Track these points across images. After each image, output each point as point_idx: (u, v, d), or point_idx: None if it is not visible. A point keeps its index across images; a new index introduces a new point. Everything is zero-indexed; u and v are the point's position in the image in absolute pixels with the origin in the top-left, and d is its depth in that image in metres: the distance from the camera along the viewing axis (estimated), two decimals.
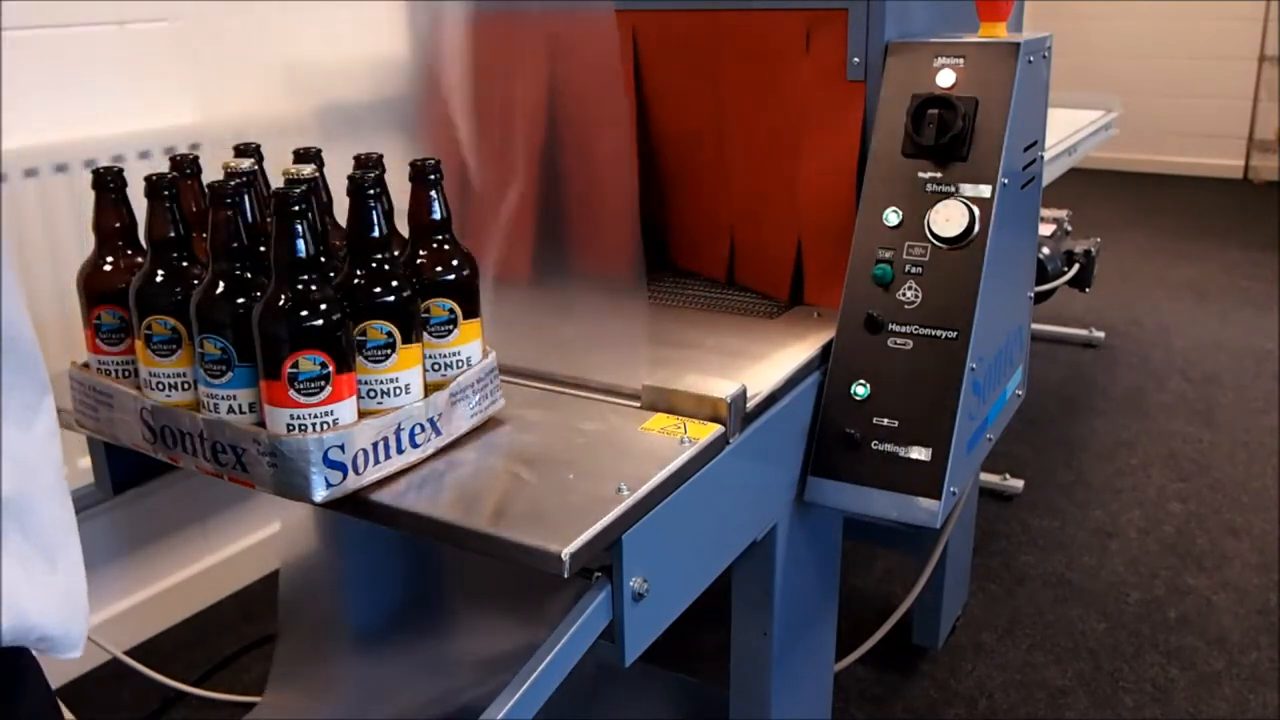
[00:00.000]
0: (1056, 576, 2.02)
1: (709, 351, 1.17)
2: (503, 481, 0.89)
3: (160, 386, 0.92)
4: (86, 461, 1.21)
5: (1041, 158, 1.34)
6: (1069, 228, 2.33)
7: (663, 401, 0.99)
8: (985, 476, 2.29)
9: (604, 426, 0.97)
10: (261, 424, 0.86)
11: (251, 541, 2.03)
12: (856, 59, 1.20)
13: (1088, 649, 1.81)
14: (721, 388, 0.97)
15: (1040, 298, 2.13)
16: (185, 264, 0.91)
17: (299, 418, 0.83)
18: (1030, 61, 1.19)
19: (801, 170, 1.25)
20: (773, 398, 1.05)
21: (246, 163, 0.96)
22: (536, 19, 1.24)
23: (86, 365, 0.99)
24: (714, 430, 0.95)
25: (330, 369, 0.83)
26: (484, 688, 1.38)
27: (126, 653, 1.63)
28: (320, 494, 0.84)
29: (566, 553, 0.76)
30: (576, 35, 1.18)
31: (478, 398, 0.96)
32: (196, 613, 1.95)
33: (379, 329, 0.87)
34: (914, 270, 1.13)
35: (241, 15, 1.86)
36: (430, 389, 0.92)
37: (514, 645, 1.38)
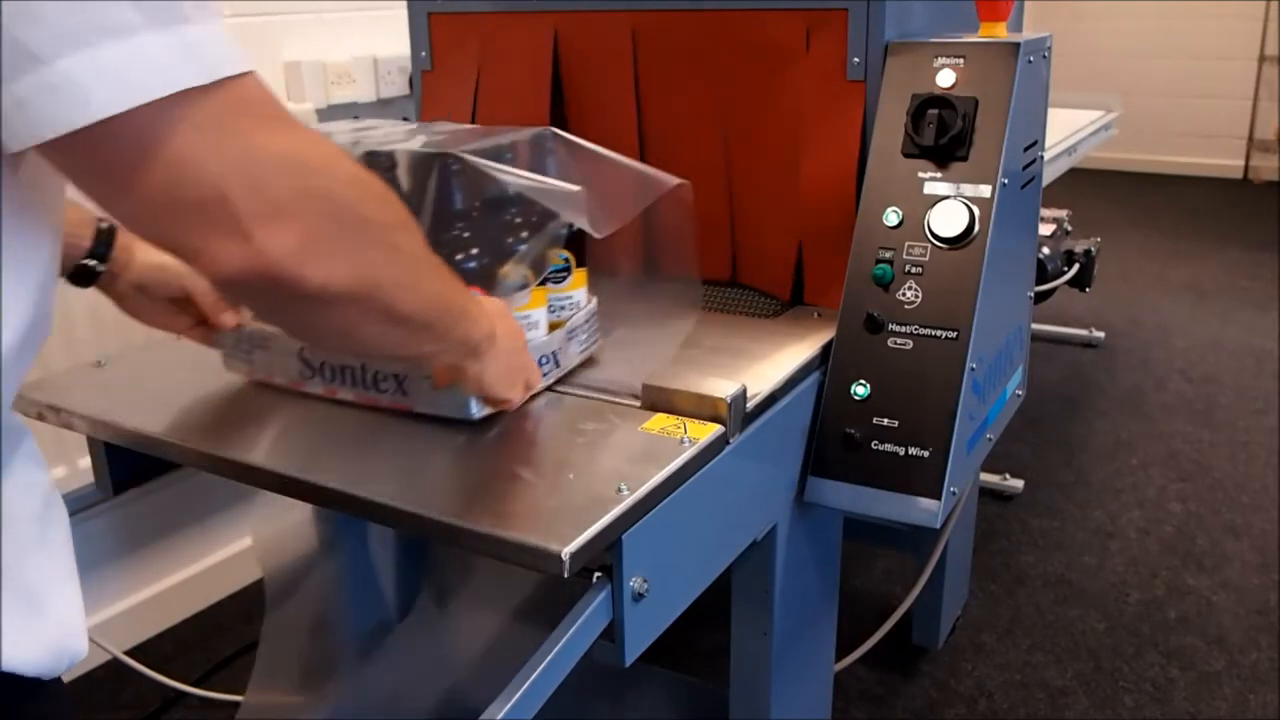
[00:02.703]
0: (1056, 576, 2.02)
1: (709, 351, 1.16)
2: (503, 481, 0.89)
3: None
4: (86, 461, 1.20)
5: (1041, 158, 1.34)
6: (1069, 228, 2.33)
7: (663, 401, 0.99)
8: (985, 476, 2.29)
9: (604, 426, 0.97)
10: None
11: (251, 542, 2.03)
12: (856, 59, 1.20)
13: (1088, 649, 1.81)
14: (721, 388, 0.97)
15: (1040, 298, 2.13)
16: None
17: None
18: (1030, 61, 1.19)
19: (801, 170, 1.25)
20: (773, 398, 1.05)
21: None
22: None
23: None
24: (714, 430, 0.95)
25: None
26: (479, 684, 1.38)
27: (126, 653, 1.63)
28: (476, 412, 0.96)
29: (566, 553, 0.76)
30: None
31: (585, 335, 1.10)
32: (196, 613, 1.95)
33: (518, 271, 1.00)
34: (914, 270, 1.13)
35: (242, 15, 1.86)
36: (549, 328, 1.06)
37: (510, 641, 1.38)
